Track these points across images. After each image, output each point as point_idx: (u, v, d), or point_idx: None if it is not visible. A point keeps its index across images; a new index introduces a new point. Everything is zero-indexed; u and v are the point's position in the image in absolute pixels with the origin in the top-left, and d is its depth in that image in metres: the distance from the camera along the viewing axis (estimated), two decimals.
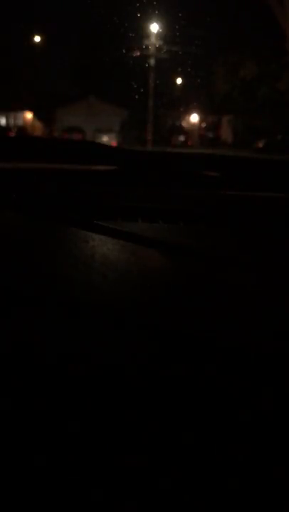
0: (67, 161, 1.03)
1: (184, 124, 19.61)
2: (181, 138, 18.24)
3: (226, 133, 18.82)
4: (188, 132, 18.97)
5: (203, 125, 20.29)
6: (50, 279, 0.57)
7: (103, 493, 0.32)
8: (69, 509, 0.31)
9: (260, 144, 15.26)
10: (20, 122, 20.03)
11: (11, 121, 20.14)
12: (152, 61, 14.67)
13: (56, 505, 0.31)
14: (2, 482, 0.32)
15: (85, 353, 0.45)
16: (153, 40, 14.47)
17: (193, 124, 19.74)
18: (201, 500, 0.32)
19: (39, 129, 19.93)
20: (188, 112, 19.14)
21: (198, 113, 19.55)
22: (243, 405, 0.40)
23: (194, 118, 19.63)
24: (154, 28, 14.29)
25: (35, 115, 19.93)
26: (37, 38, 18.21)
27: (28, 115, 20.02)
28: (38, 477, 0.32)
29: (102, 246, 0.69)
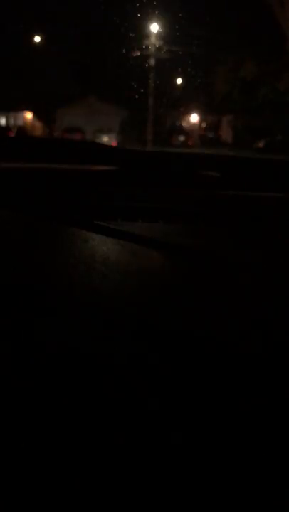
0: (67, 161, 1.03)
1: (184, 124, 19.58)
2: (181, 138, 18.21)
3: (226, 133, 18.79)
4: (188, 132, 18.94)
5: (203, 125, 20.26)
6: (50, 279, 0.57)
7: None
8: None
9: (260, 144, 15.24)
10: (20, 122, 20.01)
11: (11, 121, 20.12)
12: (152, 61, 14.64)
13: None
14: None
15: (84, 353, 0.45)
16: (153, 40, 14.45)
17: (193, 124, 19.71)
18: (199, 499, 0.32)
19: (39, 129, 19.90)
20: (188, 112, 19.11)
21: (198, 113, 19.52)
22: (242, 405, 0.40)
23: (194, 118, 19.60)
24: (154, 28, 14.27)
25: (35, 115, 19.90)
26: (37, 38, 18.18)
27: (28, 115, 19.99)
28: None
29: (102, 246, 0.69)
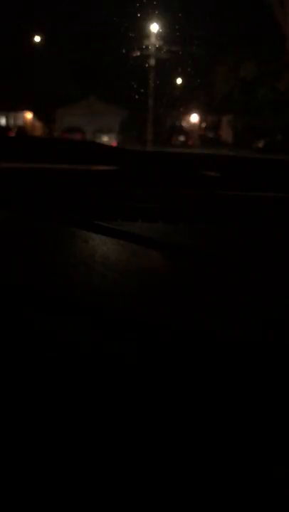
0: (67, 161, 1.03)
1: (184, 124, 19.59)
2: (181, 138, 18.21)
3: (226, 133, 18.80)
4: (188, 132, 18.94)
5: (203, 125, 20.27)
6: (50, 279, 0.57)
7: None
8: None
9: (260, 144, 15.25)
10: (20, 122, 20.01)
11: (11, 121, 20.12)
12: (152, 61, 14.64)
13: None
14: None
15: (84, 353, 0.45)
16: (153, 40, 14.44)
17: (193, 124, 19.72)
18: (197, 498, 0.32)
19: (39, 129, 19.91)
20: (188, 112, 19.12)
21: (198, 113, 19.53)
22: (242, 403, 0.40)
23: (194, 118, 19.62)
24: (154, 28, 14.26)
25: (35, 115, 19.92)
26: (37, 38, 18.20)
27: (28, 115, 20.01)
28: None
29: (102, 246, 0.69)
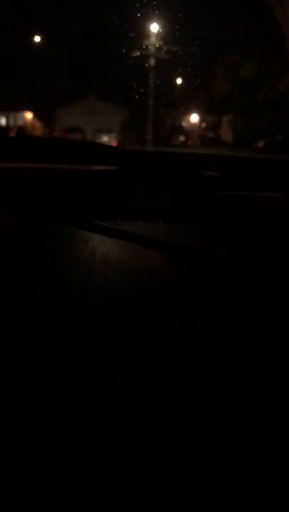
0: (67, 161, 1.03)
1: (184, 124, 19.59)
2: (181, 138, 18.23)
3: (226, 133, 18.80)
4: (188, 132, 18.95)
5: (203, 125, 20.29)
6: (50, 279, 0.57)
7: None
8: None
9: (260, 144, 15.27)
10: (20, 122, 20.02)
11: (11, 121, 20.12)
12: (152, 61, 14.63)
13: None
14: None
15: (84, 353, 0.45)
16: (153, 40, 14.44)
17: (193, 124, 19.73)
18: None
19: (39, 129, 19.91)
20: (188, 112, 19.12)
21: (198, 113, 19.54)
22: (241, 403, 0.40)
23: (194, 118, 19.62)
24: (154, 28, 14.25)
25: (35, 115, 19.93)
26: (37, 38, 18.18)
27: (28, 115, 20.01)
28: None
29: (102, 246, 0.69)
